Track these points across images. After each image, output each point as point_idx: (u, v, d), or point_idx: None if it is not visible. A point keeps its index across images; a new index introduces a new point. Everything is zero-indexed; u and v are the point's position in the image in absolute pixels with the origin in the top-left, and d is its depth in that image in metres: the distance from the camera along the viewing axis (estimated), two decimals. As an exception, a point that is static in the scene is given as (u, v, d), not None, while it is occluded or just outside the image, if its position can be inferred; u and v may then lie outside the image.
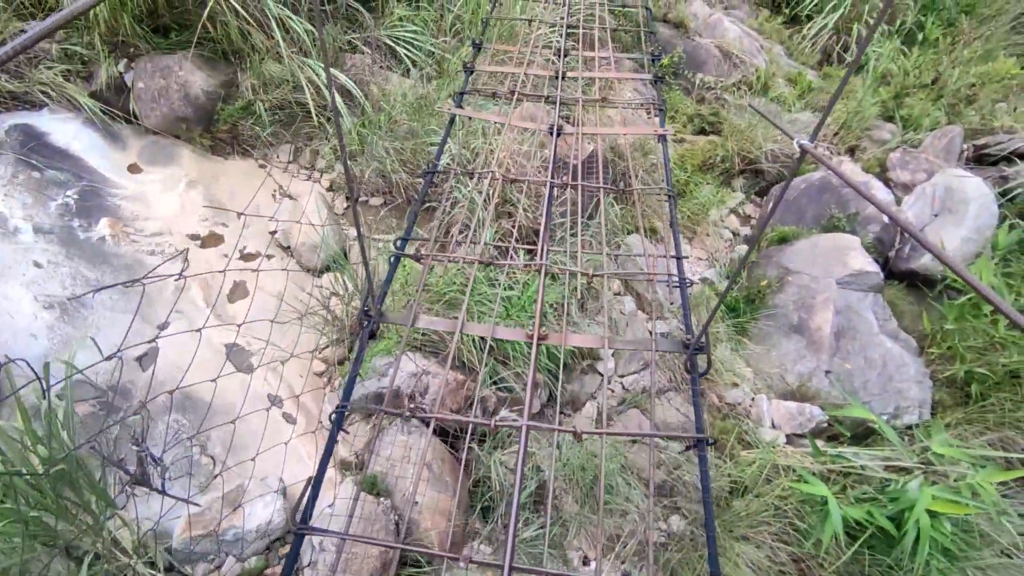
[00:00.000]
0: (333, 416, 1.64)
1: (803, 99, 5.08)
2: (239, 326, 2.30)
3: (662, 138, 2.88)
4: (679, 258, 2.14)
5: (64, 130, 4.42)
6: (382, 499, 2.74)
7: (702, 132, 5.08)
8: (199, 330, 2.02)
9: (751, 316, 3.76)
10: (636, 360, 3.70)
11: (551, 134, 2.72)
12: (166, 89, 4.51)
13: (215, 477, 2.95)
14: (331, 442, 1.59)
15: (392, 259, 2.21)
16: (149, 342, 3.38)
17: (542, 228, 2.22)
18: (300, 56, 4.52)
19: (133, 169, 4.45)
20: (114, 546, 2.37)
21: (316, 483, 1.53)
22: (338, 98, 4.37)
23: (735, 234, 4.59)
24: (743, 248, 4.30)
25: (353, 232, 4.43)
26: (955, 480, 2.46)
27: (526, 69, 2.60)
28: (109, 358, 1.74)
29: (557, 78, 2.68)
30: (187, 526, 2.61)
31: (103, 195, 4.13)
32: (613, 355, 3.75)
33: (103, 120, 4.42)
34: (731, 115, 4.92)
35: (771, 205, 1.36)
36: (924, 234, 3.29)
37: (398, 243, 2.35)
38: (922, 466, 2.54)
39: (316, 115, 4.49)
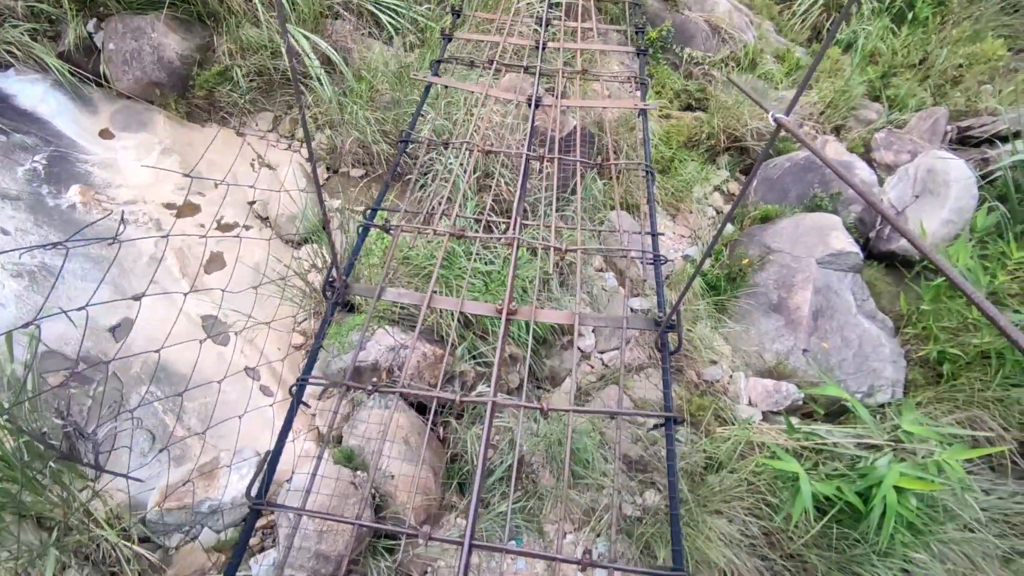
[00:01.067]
0: (294, 389, 1.61)
1: (791, 76, 5.04)
2: (224, 291, 2.24)
3: (643, 113, 2.84)
4: (654, 235, 2.13)
5: (31, 92, 4.26)
6: (358, 472, 2.74)
7: (688, 108, 5.03)
8: (184, 294, 1.96)
9: (731, 294, 3.78)
10: (616, 336, 3.71)
11: (530, 105, 2.67)
12: (138, 52, 4.35)
13: (172, 441, 2.93)
14: (291, 413, 1.57)
15: (360, 229, 2.17)
16: (133, 298, 3.32)
17: (515, 201, 2.19)
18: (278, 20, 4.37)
19: (104, 134, 4.31)
20: (87, 517, 2.35)
21: (274, 458, 1.52)
22: (318, 65, 4.25)
23: (718, 212, 4.58)
24: (727, 228, 4.29)
25: (334, 203, 4.35)
26: (923, 457, 2.50)
27: (506, 38, 2.52)
28: (81, 308, 1.67)
29: (538, 48, 2.61)
30: (161, 497, 2.60)
31: (73, 161, 4.01)
32: (593, 331, 3.76)
33: (72, 83, 4.27)
34: (718, 91, 4.87)
35: (750, 180, 1.34)
36: (904, 216, 3.30)
37: (367, 213, 2.31)
38: (892, 444, 2.59)
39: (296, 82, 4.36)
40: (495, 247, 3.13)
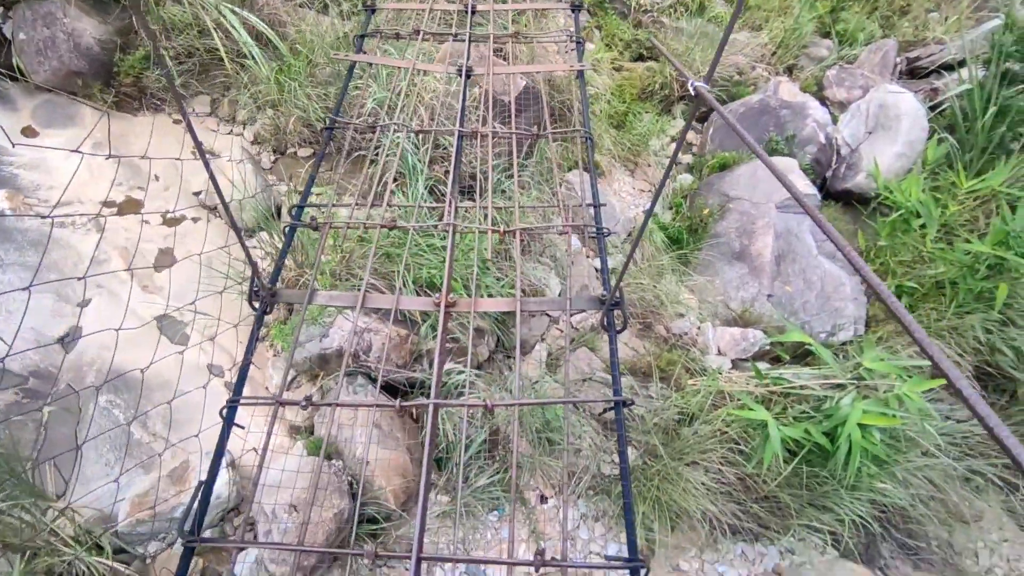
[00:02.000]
0: (224, 412, 1.54)
1: (740, 17, 4.96)
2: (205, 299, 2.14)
3: (580, 74, 2.72)
4: (596, 206, 2.08)
5: (-61, 92, 3.96)
6: (333, 461, 2.71)
7: (640, 58, 4.93)
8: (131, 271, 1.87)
9: (694, 246, 3.78)
10: (586, 299, 3.69)
11: (460, 75, 2.54)
12: (52, 40, 4.05)
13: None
14: (223, 439, 1.50)
15: (287, 230, 2.07)
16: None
17: (449, 184, 2.10)
18: (201, -4, 4.10)
19: (28, 132, 4.05)
20: (53, 537, 2.28)
21: (207, 491, 1.46)
22: (250, 42, 4.02)
23: (677, 163, 4.54)
24: (685, 177, 4.27)
25: (283, 188, 4.19)
26: (884, 392, 2.57)
27: (432, 3, 2.39)
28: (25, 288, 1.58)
29: (467, 13, 2.48)
30: (133, 508, 2.53)
31: (-4, 164, 3.76)
32: (560, 295, 3.73)
33: (-16, 79, 3.97)
34: (668, 39, 4.77)
35: (679, 146, 1.29)
36: (858, 153, 3.30)
37: (292, 211, 2.21)
38: (855, 382, 2.65)
39: (229, 61, 4.13)
40: (438, 233, 3.04)
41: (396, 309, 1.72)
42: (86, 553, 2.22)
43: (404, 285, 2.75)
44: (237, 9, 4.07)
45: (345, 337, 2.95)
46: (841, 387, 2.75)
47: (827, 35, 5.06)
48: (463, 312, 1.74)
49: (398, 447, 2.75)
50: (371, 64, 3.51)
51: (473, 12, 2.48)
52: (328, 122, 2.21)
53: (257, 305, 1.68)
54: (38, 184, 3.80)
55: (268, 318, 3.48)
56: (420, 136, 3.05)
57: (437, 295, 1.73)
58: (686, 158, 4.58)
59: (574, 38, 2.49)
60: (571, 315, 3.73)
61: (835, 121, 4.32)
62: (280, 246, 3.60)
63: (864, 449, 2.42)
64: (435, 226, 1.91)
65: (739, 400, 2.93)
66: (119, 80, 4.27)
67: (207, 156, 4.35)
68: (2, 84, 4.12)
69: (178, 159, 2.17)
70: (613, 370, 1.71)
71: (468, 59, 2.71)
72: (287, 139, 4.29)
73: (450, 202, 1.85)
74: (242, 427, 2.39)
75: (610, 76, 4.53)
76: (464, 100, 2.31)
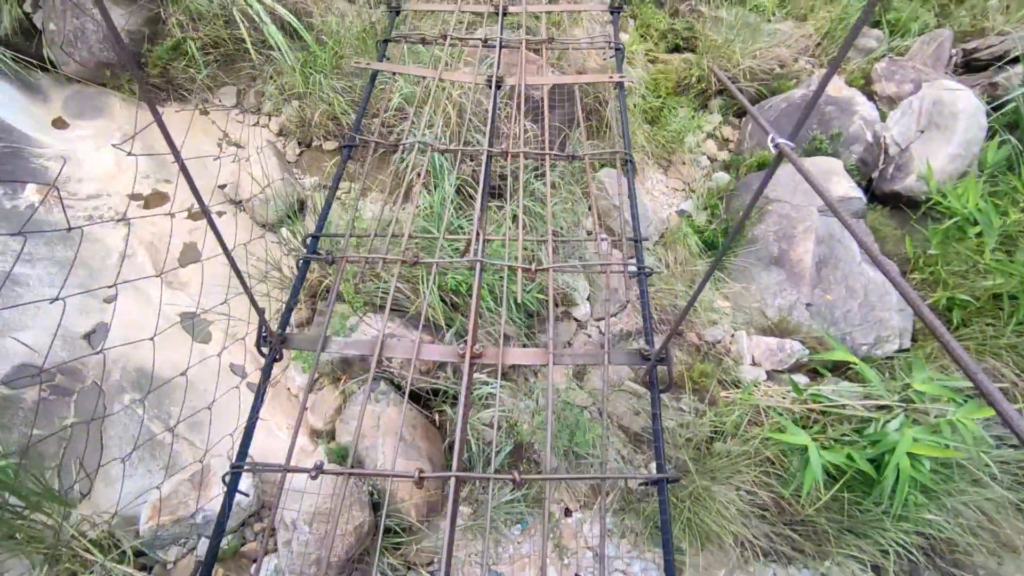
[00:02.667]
0: (227, 478, 1.46)
1: (784, 6, 4.71)
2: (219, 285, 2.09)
3: (619, 86, 2.52)
4: (637, 241, 1.93)
5: (-28, 84, 3.97)
6: (355, 469, 2.66)
7: (676, 49, 4.73)
8: (159, 277, 1.82)
9: (730, 251, 3.62)
10: (614, 303, 3.58)
11: (490, 86, 2.39)
12: (82, 30, 4.03)
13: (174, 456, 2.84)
14: (227, 504, 1.41)
15: (300, 263, 1.98)
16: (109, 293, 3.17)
17: (476, 213, 1.98)
18: (229, -15, 4.03)
19: (58, 124, 4.06)
20: (75, 542, 2.27)
21: (214, 545, 1.37)
22: (275, 32, 3.94)
23: (712, 160, 4.36)
24: (721, 176, 4.09)
25: (307, 182, 4.13)
26: (936, 417, 2.41)
27: (461, 5, 2.26)
28: (55, 299, 1.54)
29: (498, 15, 2.33)
30: (154, 512, 2.52)
31: (26, 157, 3.77)
32: (588, 299, 3.62)
33: (15, 69, 3.96)
34: (707, 29, 4.56)
35: (750, 199, 1.16)
36: (908, 153, 3.08)
37: (307, 241, 2.12)
38: (902, 404, 2.49)
39: (255, 52, 4.07)
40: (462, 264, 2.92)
41: (417, 352, 1.62)
42: (106, 559, 2.20)
43: (429, 293, 2.67)
44: (264, -1, 3.99)
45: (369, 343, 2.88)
46: (887, 408, 2.59)
47: (876, 24, 4.78)
48: (489, 363, 1.61)
49: (420, 457, 2.69)
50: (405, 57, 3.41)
51: (504, 14, 2.33)
52: (347, 138, 2.11)
53: (266, 352, 1.59)
54: (67, 176, 3.80)
55: (300, 314, 3.43)
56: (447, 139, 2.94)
57: (462, 345, 1.62)
58: (722, 155, 4.39)
59: (612, 44, 2.33)
60: (607, 357, 3.61)
61: (883, 118, 4.08)
62: (302, 251, 3.54)
63: (912, 478, 2.27)
64: (459, 262, 1.80)
65: (775, 419, 2.80)
66: (147, 71, 4.24)
67: (232, 148, 4.25)
68: (34, 75, 4.12)
69: (216, 156, 2.08)
70: (656, 441, 1.53)
71: (499, 68, 2.58)
72: (312, 132, 4.23)
73: (478, 234, 1.74)
74: (246, 495, 2.32)
75: (644, 69, 4.35)
76: (494, 113, 2.18)
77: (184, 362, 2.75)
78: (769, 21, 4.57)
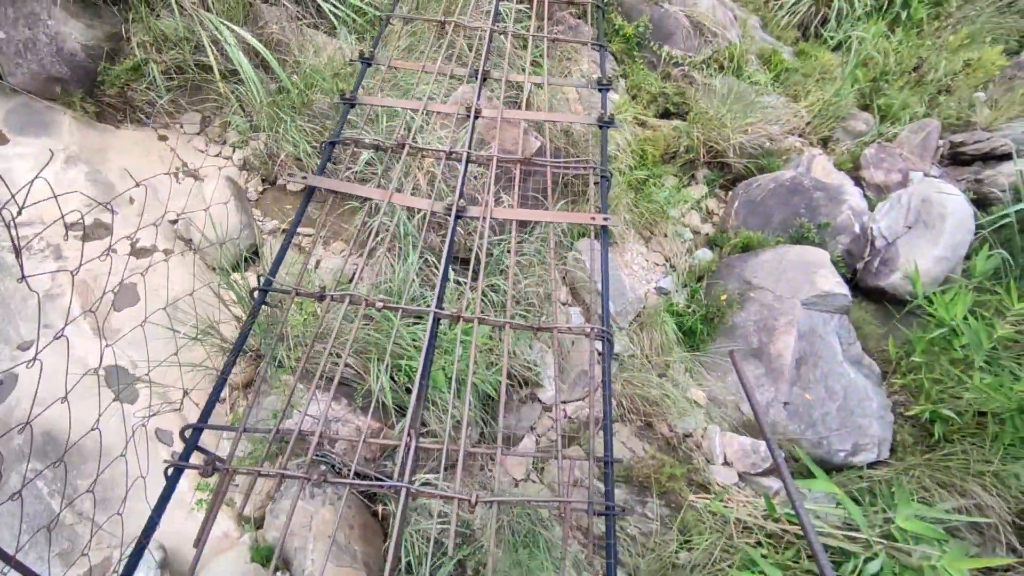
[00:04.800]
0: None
1: (779, 83, 4.64)
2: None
3: (604, 127, 2.30)
4: (606, 315, 1.72)
5: (-98, 88, 3.63)
6: (278, 574, 2.35)
7: (666, 114, 4.61)
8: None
9: (708, 336, 3.44)
10: (581, 386, 3.35)
11: (468, 116, 2.19)
12: (33, 41, 3.72)
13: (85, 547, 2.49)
14: None
15: (254, 303, 1.73)
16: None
17: (442, 264, 1.76)
18: (200, 9, 3.77)
19: (-3, 139, 3.72)
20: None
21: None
22: (246, 63, 3.69)
23: (696, 233, 4.21)
24: (704, 253, 3.93)
25: (268, 225, 3.85)
26: (919, 560, 2.22)
27: (450, 35, 2.02)
28: None
29: (469, 117, 2.11)
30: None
31: (-47, 174, 3.41)
32: (555, 379, 3.38)
33: (-46, 77, 3.63)
34: (699, 97, 4.45)
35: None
36: (895, 248, 2.94)
37: (262, 283, 1.88)
38: (883, 542, 2.30)
39: (222, 81, 3.80)
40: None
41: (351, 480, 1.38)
42: None
43: (377, 380, 2.40)
44: (236, 28, 3.74)
45: (308, 424, 2.59)
46: (867, 542, 2.40)
47: (867, 107, 4.74)
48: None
49: (354, 562, 2.40)
50: (369, 109, 3.19)
51: (476, 117, 2.11)
52: (308, 188, 1.87)
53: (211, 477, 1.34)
54: (-2, 198, 3.46)
55: (243, 374, 3.13)
56: (415, 211, 2.70)
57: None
58: (706, 228, 4.25)
59: (596, 81, 2.11)
60: (563, 407, 3.38)
61: (871, 206, 3.99)
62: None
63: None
64: (414, 309, 1.57)
65: (749, 531, 2.59)
66: (103, 90, 3.94)
67: (190, 179, 3.93)
68: (-26, 83, 3.79)
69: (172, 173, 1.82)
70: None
71: (478, 98, 2.38)
72: (277, 171, 3.96)
73: (440, 286, 1.50)
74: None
75: (632, 133, 4.20)
76: (465, 170, 1.96)
77: (103, 423, 2.42)
78: (763, 96, 4.49)
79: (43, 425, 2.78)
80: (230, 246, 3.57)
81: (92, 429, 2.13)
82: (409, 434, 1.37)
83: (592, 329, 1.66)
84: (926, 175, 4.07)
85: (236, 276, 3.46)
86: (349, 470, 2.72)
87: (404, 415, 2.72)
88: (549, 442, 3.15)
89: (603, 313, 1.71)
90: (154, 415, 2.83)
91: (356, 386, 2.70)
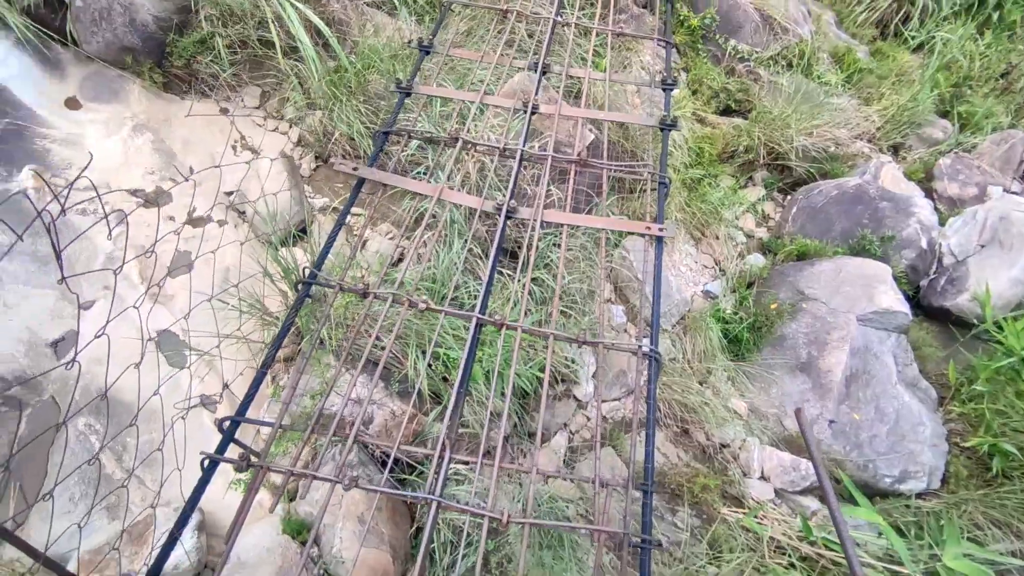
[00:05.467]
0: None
1: (851, 83, 4.39)
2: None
3: (667, 128, 2.21)
4: (655, 326, 1.66)
5: (-11, 53, 3.80)
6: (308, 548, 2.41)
7: (727, 111, 4.44)
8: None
9: (755, 345, 3.32)
10: (618, 386, 3.29)
11: (526, 111, 2.15)
12: (108, 11, 3.84)
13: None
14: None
15: (299, 291, 1.74)
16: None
17: (488, 266, 1.74)
18: (266, -15, 3.82)
19: (71, 104, 3.87)
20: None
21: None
22: (307, 41, 3.72)
23: (749, 236, 4.06)
24: (756, 259, 3.79)
25: (318, 202, 3.91)
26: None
27: (512, 23, 1.98)
28: None
29: (525, 112, 2.06)
30: (83, 568, 2.29)
31: (30, 136, 3.58)
32: (593, 376, 3.35)
33: (35, 43, 3.78)
34: (763, 95, 4.27)
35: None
36: (965, 267, 2.76)
37: (304, 275, 1.89)
38: (928, 579, 2.19)
39: (283, 57, 3.85)
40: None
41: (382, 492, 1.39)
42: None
43: (415, 368, 2.41)
44: (299, 5, 3.78)
45: (344, 404, 2.63)
46: (909, 576, 2.28)
47: (946, 114, 4.46)
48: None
49: (381, 544, 2.43)
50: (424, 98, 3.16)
51: (552, 32, 2.04)
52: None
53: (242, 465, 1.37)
54: (69, 162, 3.61)
55: (286, 348, 3.19)
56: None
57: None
58: (760, 232, 4.09)
59: (659, 81, 2.02)
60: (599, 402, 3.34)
61: (942, 221, 3.76)
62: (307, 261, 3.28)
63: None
64: (457, 314, 1.55)
65: (781, 550, 2.51)
66: (171, 61, 4.05)
67: (248, 152, 4.00)
68: (54, 50, 3.94)
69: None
70: None
71: (536, 93, 2.33)
72: (331, 148, 4.00)
73: (485, 294, 1.48)
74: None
75: (689, 130, 4.06)
76: (517, 172, 1.92)
77: (152, 386, 2.51)
78: (835, 98, 4.26)
79: (100, 382, 2.91)
80: (280, 221, 3.64)
81: (154, 394, 2.20)
82: (443, 444, 1.36)
83: (640, 348, 1.59)
84: (1007, 191, 3.80)
85: (284, 251, 3.54)
86: (384, 455, 2.77)
87: (439, 402, 2.73)
88: (582, 440, 3.12)
89: (652, 332, 1.65)
90: (194, 407, 2.91)
91: (393, 370, 2.72)
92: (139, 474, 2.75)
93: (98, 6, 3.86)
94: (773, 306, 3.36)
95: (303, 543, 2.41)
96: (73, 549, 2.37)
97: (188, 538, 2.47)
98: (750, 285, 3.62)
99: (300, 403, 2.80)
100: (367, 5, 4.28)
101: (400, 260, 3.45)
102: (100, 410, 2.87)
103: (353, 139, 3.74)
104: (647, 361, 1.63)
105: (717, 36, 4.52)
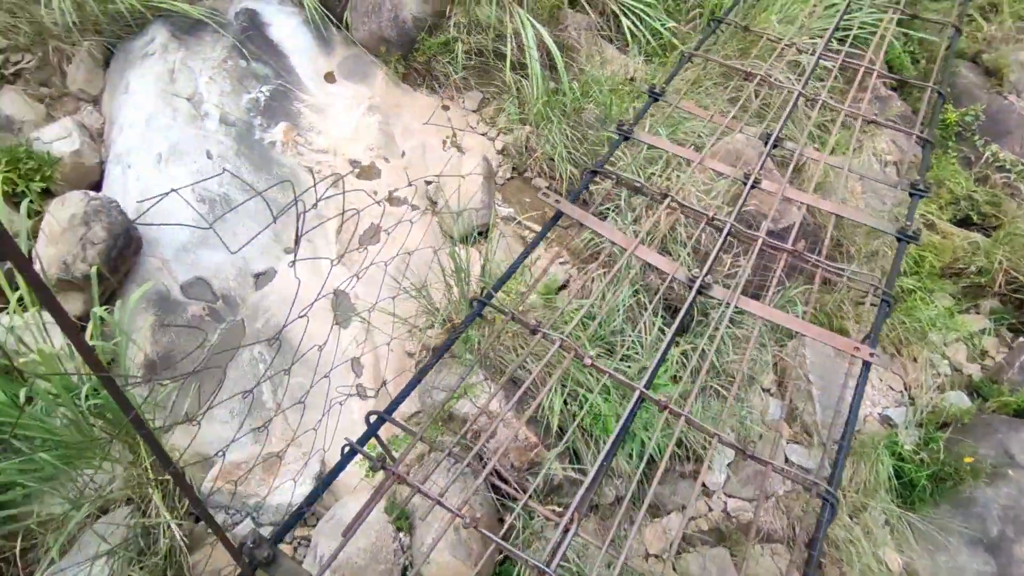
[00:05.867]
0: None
1: None
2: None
3: (906, 239, 1.94)
4: (830, 497, 1.45)
5: (284, 24, 4.48)
6: (401, 535, 2.50)
7: (965, 222, 3.86)
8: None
9: (932, 497, 2.83)
10: (753, 486, 2.99)
11: (745, 184, 2.03)
12: (379, 6, 4.37)
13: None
14: None
15: (473, 307, 1.78)
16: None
17: (665, 343, 1.64)
18: (515, 4, 4.08)
19: (329, 78, 4.44)
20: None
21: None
22: (536, 58, 3.90)
23: (956, 370, 3.48)
24: (959, 397, 3.24)
25: (504, 211, 4.06)
26: None
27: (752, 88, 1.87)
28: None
29: (788, 105, 1.90)
30: (222, 475, 2.60)
31: (291, 99, 4.16)
32: (728, 466, 3.08)
33: (318, 24, 4.39)
34: (1018, 214, 3.65)
35: None
36: None
37: (484, 294, 1.93)
38: None
39: (510, 71, 4.08)
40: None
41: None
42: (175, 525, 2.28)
43: (550, 402, 2.38)
44: (538, 26, 3.98)
45: (472, 409, 2.70)
46: None
47: None
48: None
49: (467, 560, 2.44)
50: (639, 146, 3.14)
51: (795, 106, 1.89)
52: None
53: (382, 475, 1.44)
54: (313, 126, 4.14)
55: (437, 339, 3.36)
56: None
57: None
58: (972, 369, 3.49)
59: (914, 186, 1.77)
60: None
61: None
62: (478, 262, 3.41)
63: None
64: (623, 381, 1.49)
65: None
66: (415, 56, 4.49)
67: (454, 149, 4.26)
68: (329, 31, 4.56)
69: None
70: None
71: (763, 164, 2.19)
72: (530, 164, 4.16)
73: (655, 368, 1.39)
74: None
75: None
76: (722, 244, 1.81)
77: (318, 337, 2.77)
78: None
79: (278, 321, 3.29)
80: (465, 219, 3.84)
81: (323, 344, 2.43)
82: (572, 518, 1.29)
83: (814, 486, 1.38)
84: None
85: (460, 248, 3.73)
86: (496, 471, 2.78)
87: (563, 437, 2.68)
88: (696, 529, 2.88)
89: (834, 471, 1.45)
90: (349, 396, 3.13)
91: (529, 394, 2.73)
92: (288, 412, 3.05)
93: (373, 0, 4.41)
94: (968, 460, 2.84)
95: (398, 529, 2.50)
96: (220, 454, 2.70)
97: (309, 481, 2.68)
98: (943, 426, 3.09)
99: (434, 395, 2.91)
100: (601, 36, 4.39)
101: (564, 286, 3.46)
102: (272, 344, 3.25)
103: (552, 160, 3.84)
104: (821, 502, 1.41)
105: (976, 137, 3.96)
